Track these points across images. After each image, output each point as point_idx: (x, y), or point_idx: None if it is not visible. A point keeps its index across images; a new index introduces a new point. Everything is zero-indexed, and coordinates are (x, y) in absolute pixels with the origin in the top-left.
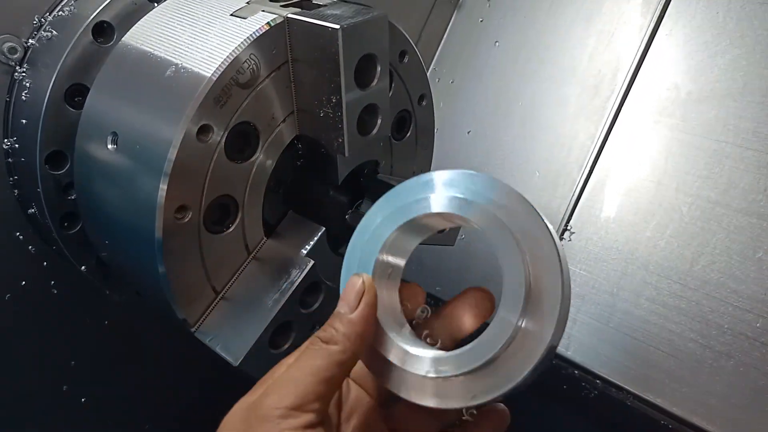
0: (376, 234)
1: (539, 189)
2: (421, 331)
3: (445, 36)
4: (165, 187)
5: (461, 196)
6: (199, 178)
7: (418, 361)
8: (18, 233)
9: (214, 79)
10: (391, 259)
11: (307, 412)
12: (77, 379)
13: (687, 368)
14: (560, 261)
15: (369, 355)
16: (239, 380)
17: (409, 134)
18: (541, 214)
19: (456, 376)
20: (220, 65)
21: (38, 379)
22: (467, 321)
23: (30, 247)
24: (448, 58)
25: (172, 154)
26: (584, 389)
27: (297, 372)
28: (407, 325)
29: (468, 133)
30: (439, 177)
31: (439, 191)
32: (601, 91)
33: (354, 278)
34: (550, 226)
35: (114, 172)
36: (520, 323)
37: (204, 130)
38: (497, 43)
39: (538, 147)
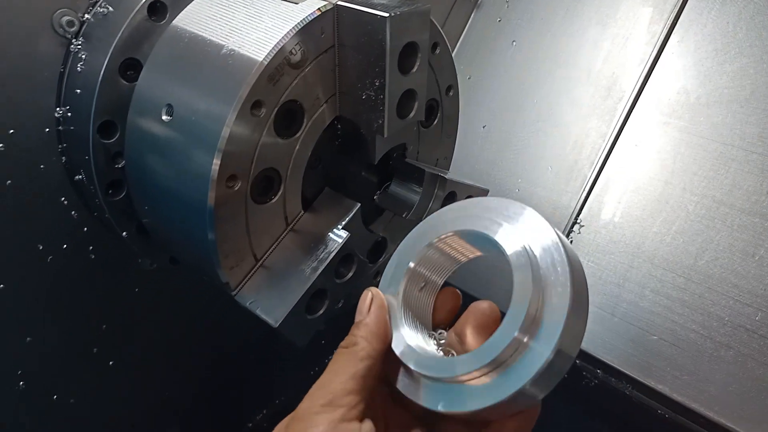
0: (417, 245)
1: (551, 183)
2: (447, 350)
3: (463, 33)
4: (221, 154)
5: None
6: (250, 150)
7: (408, 352)
8: (63, 198)
9: (270, 57)
10: (424, 271)
11: (339, 407)
12: (107, 343)
13: (688, 357)
14: (572, 294)
15: (390, 362)
16: (254, 352)
17: (435, 122)
18: (567, 248)
19: (434, 378)
20: (276, 45)
21: (72, 340)
22: (470, 338)
23: (73, 212)
24: (466, 54)
25: (229, 123)
26: (584, 378)
27: (326, 376)
28: (433, 336)
29: (483, 127)
30: (487, 203)
31: (492, 219)
32: (613, 92)
33: (364, 293)
34: (570, 268)
35: (167, 141)
36: (522, 339)
37: (257, 105)
38: (514, 43)
39: (551, 144)
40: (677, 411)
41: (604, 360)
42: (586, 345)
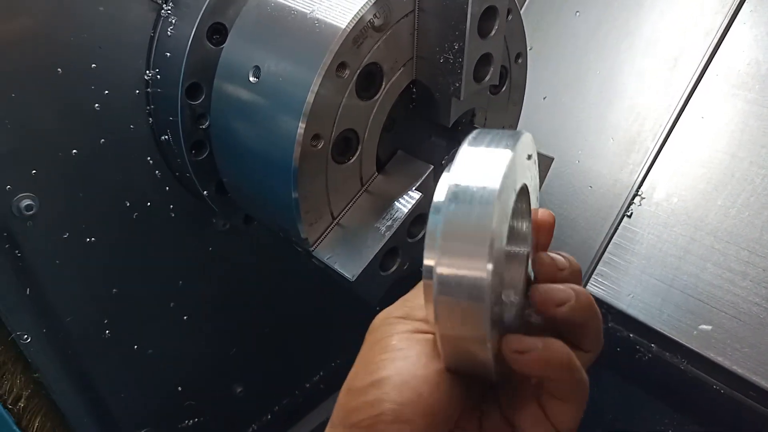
0: None
1: (613, 155)
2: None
3: (526, 3)
4: (306, 116)
5: None
6: (333, 110)
7: None
8: (149, 158)
9: (356, 20)
10: None
11: (414, 320)
12: (183, 298)
13: (750, 330)
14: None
15: None
16: (313, 316)
17: (503, 89)
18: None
19: None
20: (361, 8)
21: (152, 293)
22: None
23: (157, 171)
24: (529, 25)
25: (314, 86)
26: (638, 352)
27: (408, 294)
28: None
29: (544, 98)
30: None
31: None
32: (680, 63)
33: None
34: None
35: (254, 101)
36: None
37: (342, 67)
38: (578, 13)
39: (614, 115)
40: (733, 385)
41: (661, 331)
42: (644, 316)
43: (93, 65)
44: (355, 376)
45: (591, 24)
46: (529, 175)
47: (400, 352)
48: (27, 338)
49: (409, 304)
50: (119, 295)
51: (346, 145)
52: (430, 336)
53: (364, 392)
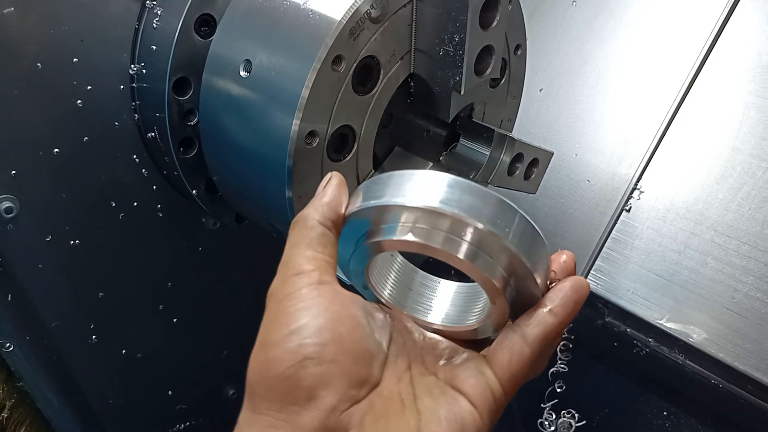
0: None
1: (611, 148)
2: None
3: None
4: (301, 111)
5: None
6: (328, 106)
7: None
8: (135, 156)
9: (352, 11)
10: None
11: (309, 273)
12: (173, 301)
13: (751, 326)
14: None
15: None
16: None
17: (502, 82)
18: None
19: None
20: (356, 1)
21: (140, 296)
22: None
23: (144, 170)
24: (524, 15)
25: (309, 81)
26: (635, 347)
27: (286, 254)
28: None
29: (540, 90)
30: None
31: None
32: (680, 55)
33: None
34: None
35: (245, 97)
36: None
37: (337, 60)
38: (574, 3)
39: (612, 107)
40: (732, 380)
41: (661, 326)
42: (643, 311)
43: (74, 59)
44: (270, 330)
45: (588, 14)
46: None
47: (312, 301)
48: (9, 347)
49: (294, 263)
50: (106, 299)
51: (342, 141)
52: (335, 286)
53: (283, 342)
